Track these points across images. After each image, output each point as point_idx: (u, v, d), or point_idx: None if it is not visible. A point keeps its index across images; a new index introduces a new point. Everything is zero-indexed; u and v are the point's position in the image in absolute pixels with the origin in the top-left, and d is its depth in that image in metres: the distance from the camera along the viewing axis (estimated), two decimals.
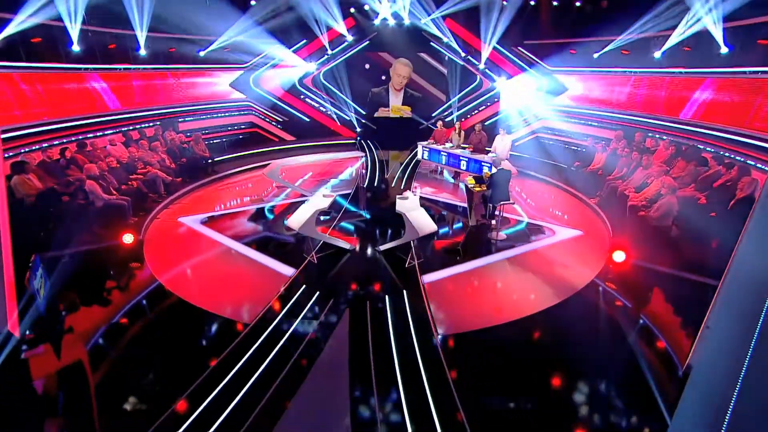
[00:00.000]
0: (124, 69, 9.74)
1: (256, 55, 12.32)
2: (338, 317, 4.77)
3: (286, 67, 12.98)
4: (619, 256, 5.71)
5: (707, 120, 7.87)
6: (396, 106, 14.05)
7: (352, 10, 12.73)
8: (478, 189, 7.08)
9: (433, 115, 13.92)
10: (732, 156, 6.91)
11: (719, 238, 5.48)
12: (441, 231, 7.25)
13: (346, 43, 13.14)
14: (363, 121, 13.98)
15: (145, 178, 7.93)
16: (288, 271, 5.81)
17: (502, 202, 6.73)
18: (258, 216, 7.97)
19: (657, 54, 8.90)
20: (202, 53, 11.24)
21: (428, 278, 5.63)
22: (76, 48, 8.22)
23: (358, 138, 13.72)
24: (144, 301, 5.20)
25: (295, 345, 4.28)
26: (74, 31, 7.91)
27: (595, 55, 10.39)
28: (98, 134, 8.82)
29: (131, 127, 9.65)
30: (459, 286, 5.67)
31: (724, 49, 7.36)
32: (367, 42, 13.29)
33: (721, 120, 7.56)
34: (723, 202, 5.86)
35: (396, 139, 13.18)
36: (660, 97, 9.12)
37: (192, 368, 3.91)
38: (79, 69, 8.66)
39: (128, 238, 6.25)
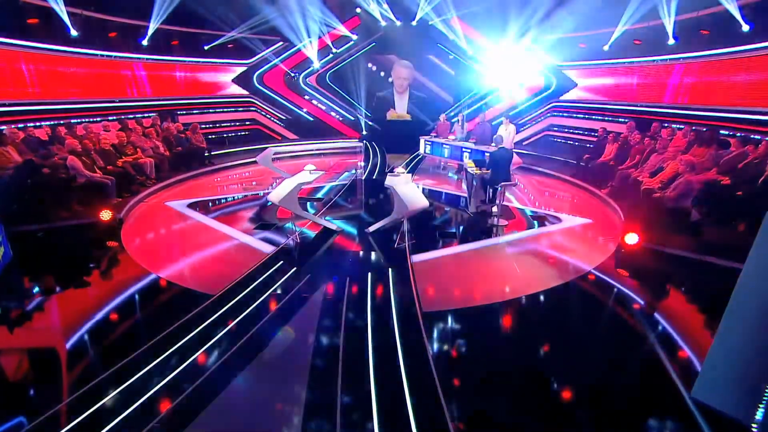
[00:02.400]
0: (128, 58, 9.75)
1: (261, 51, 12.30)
2: (311, 293, 4.30)
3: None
4: (630, 239, 5.13)
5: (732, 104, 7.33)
6: (396, 113, 13.71)
7: (358, 9, 12.65)
8: (477, 171, 6.61)
9: (439, 116, 13.60)
10: (760, 137, 6.31)
11: (747, 218, 4.90)
12: (437, 220, 6.81)
13: (351, 43, 13.03)
14: (370, 123, 13.73)
15: (133, 162, 7.72)
16: (269, 249, 5.40)
17: (503, 184, 6.23)
18: (250, 203, 7.66)
19: (671, 40, 8.44)
20: (206, 47, 11.25)
21: (418, 258, 5.14)
22: (74, 33, 8.23)
23: (363, 141, 13.42)
24: (113, 275, 4.86)
25: (259, 316, 3.82)
26: (63, 13, 7.89)
27: (605, 47, 9.97)
28: (84, 119, 8.72)
29: (130, 116, 9.57)
30: (450, 266, 5.15)
31: (745, 27, 6.86)
32: (373, 44, 13.14)
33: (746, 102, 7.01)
34: (751, 180, 5.27)
35: (401, 142, 12.77)
36: (674, 84, 8.62)
37: (145, 334, 3.49)
38: (78, 53, 8.67)
39: (106, 215, 5.95)
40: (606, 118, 10.31)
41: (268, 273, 4.68)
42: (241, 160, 10.69)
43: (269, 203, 7.30)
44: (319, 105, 13.50)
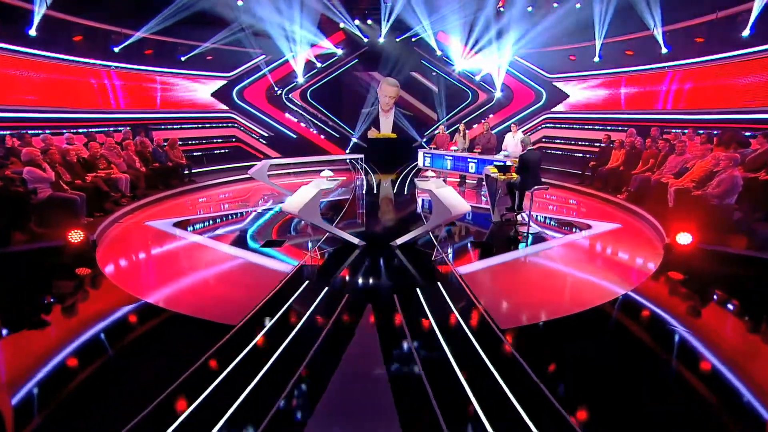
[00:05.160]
0: (102, 65, 8.72)
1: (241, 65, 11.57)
2: (358, 315, 3.52)
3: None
4: (683, 239, 4.76)
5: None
6: (377, 133, 13.25)
7: (342, 24, 12.30)
8: (503, 177, 6.13)
9: (425, 133, 13.38)
10: None
11: None
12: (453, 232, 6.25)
13: (335, 58, 12.61)
14: (355, 140, 13.19)
15: (106, 177, 6.64)
16: (284, 267, 4.56)
17: (536, 188, 5.78)
18: (246, 221, 6.75)
19: (663, 49, 8.65)
20: (183, 58, 10.39)
21: (463, 270, 4.49)
22: (32, 32, 7.18)
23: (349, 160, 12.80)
24: (94, 308, 3.81)
25: (303, 348, 2.99)
26: (38, 13, 6.91)
27: (596, 59, 10.13)
28: (42, 131, 7.55)
29: (98, 129, 8.45)
30: (502, 277, 4.54)
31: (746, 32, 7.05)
32: (356, 60, 12.79)
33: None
34: None
35: (389, 160, 12.26)
36: (668, 91, 8.79)
37: (151, 384, 2.57)
38: (36, 56, 7.59)
39: (76, 236, 4.87)
40: (608, 128, 10.32)
41: (296, 295, 3.85)
42: (224, 177, 9.76)
43: (278, 211, 6.46)
44: (301, 122, 12.84)
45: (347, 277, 4.41)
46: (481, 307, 3.62)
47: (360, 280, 4.36)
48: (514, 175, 6.09)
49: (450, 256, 4.89)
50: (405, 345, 3.06)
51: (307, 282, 4.11)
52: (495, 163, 6.67)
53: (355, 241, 5.17)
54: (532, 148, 6.00)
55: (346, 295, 3.85)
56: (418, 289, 3.98)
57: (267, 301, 3.70)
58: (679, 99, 8.72)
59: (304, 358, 2.85)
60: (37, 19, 7.01)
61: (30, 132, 6.99)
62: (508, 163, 6.43)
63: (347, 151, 13.12)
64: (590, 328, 3.47)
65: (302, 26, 11.05)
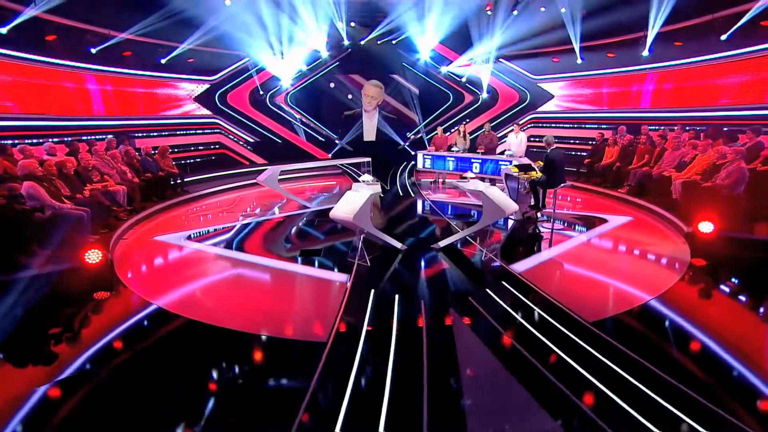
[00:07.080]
0: (77, 68, 7.93)
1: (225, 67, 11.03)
2: (442, 318, 3.43)
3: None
4: (706, 227, 5.10)
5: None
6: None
7: (324, 26, 12.06)
8: (524, 176, 6.27)
9: (409, 135, 13.45)
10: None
11: None
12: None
13: (319, 60, 12.35)
14: (337, 142, 12.98)
15: (103, 189, 6.03)
16: (339, 277, 4.36)
17: (562, 186, 5.95)
18: (265, 229, 6.39)
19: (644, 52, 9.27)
20: (163, 61, 9.70)
21: (519, 268, 4.51)
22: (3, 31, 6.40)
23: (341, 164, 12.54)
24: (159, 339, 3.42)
25: (413, 354, 2.85)
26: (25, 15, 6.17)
27: (578, 61, 10.66)
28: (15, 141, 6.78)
29: (79, 137, 7.67)
30: (558, 273, 4.60)
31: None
32: (338, 62, 12.62)
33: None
34: None
35: (379, 163, 12.13)
36: (650, 90, 9.45)
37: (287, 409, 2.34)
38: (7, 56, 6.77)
39: (94, 256, 4.37)
40: (588, 126, 10.88)
41: (370, 305, 3.68)
42: (217, 186, 9.20)
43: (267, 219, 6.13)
44: (299, 134, 12.49)
45: (411, 283, 4.28)
46: (555, 300, 3.66)
47: (424, 285, 4.25)
48: (533, 174, 6.26)
49: (495, 252, 4.91)
50: (509, 343, 3.02)
51: (373, 291, 3.94)
52: (515, 162, 6.81)
53: (398, 245, 5.05)
54: (555, 147, 6.18)
55: (421, 300, 3.74)
56: (487, 290, 3.95)
57: (344, 313, 3.51)
58: (659, 98, 9.38)
59: (421, 365, 2.73)
60: (19, 20, 6.25)
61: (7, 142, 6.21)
62: (526, 161, 6.58)
63: (330, 156, 12.89)
64: (666, 315, 3.60)
65: (304, 25, 10.76)
